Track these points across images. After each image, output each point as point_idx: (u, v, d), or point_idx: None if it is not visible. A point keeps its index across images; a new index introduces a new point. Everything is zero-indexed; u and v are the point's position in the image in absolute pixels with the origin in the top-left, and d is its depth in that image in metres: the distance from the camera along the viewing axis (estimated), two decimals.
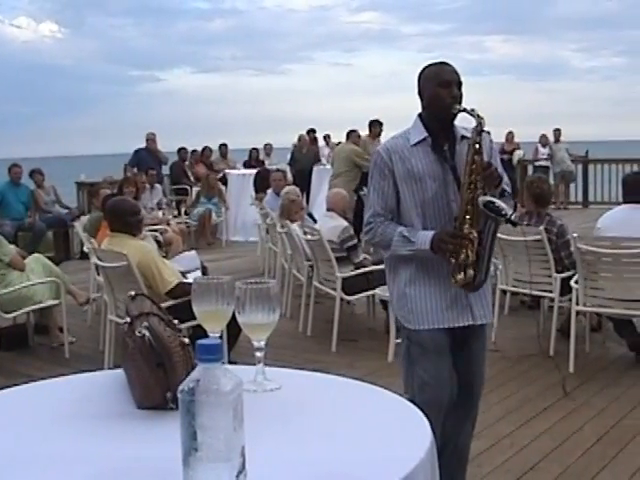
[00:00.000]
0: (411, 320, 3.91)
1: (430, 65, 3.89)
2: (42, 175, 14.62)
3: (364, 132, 14.72)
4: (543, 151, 21.04)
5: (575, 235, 6.68)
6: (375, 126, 14.73)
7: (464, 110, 3.71)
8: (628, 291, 6.62)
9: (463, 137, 3.83)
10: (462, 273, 3.70)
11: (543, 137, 21.23)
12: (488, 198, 3.60)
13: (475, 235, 3.64)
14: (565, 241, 7.18)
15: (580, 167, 21.33)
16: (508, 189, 3.89)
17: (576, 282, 6.81)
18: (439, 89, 3.75)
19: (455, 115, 3.78)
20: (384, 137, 14.92)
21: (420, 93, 3.89)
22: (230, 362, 5.84)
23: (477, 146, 3.66)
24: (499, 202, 3.62)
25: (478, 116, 3.67)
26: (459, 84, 3.79)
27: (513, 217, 3.69)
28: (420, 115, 3.91)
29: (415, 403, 3.69)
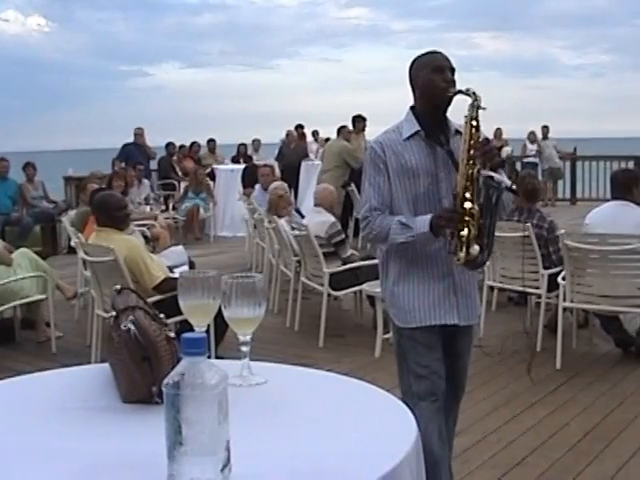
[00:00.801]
0: (400, 317, 3.90)
1: (421, 55, 3.86)
2: (35, 169, 14.58)
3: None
4: (531, 147, 21.06)
5: (562, 231, 6.69)
6: (358, 121, 14.70)
7: (459, 92, 3.67)
8: (615, 287, 6.64)
9: (457, 132, 3.78)
10: (464, 250, 3.58)
11: (531, 134, 21.25)
12: (487, 173, 3.55)
13: (476, 209, 3.54)
14: (555, 236, 7.19)
15: (568, 164, 21.39)
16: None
17: (563, 278, 6.82)
18: (433, 75, 3.71)
19: (450, 100, 3.72)
20: (369, 133, 14.92)
21: (412, 83, 3.85)
22: (217, 357, 5.85)
23: (474, 122, 3.61)
24: (498, 176, 3.56)
25: (474, 93, 3.63)
26: (452, 70, 3.75)
27: (514, 187, 3.64)
28: (412, 108, 3.87)
29: (410, 394, 3.76)
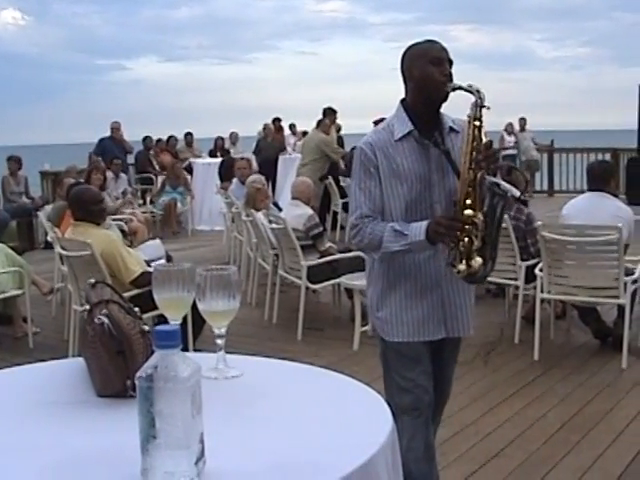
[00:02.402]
0: (386, 330, 3.69)
1: (416, 44, 3.54)
2: (18, 164, 14.48)
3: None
4: (509, 139, 21.10)
5: (540, 223, 6.71)
6: (329, 114, 14.63)
7: (459, 87, 3.39)
8: (592, 279, 6.68)
9: (452, 129, 3.54)
10: (464, 262, 3.35)
11: (509, 125, 21.28)
12: (493, 179, 3.32)
13: (480, 218, 3.29)
14: (533, 228, 7.22)
15: (545, 156, 21.45)
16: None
17: (541, 270, 6.85)
18: (430, 67, 3.40)
19: (447, 95, 3.43)
20: (346, 126, 14.87)
21: (405, 75, 3.55)
22: (195, 350, 5.84)
23: (477, 122, 3.34)
24: (504, 183, 3.35)
25: (477, 91, 3.34)
26: (450, 62, 3.46)
27: (523, 196, 3.38)
28: (403, 101, 3.59)
29: (394, 406, 3.63)
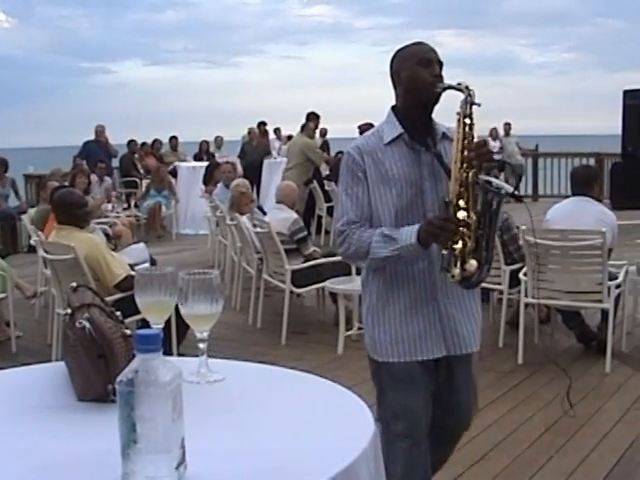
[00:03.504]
0: (378, 350, 3.48)
1: (405, 46, 3.42)
2: (4, 167, 14.39)
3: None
4: (493, 144, 21.14)
5: (523, 227, 6.71)
6: (312, 118, 14.63)
7: (450, 87, 3.25)
8: (576, 283, 6.69)
9: (445, 135, 3.40)
10: (459, 266, 3.15)
11: (494, 130, 21.34)
12: (486, 178, 3.15)
13: (473, 218, 3.13)
14: (512, 235, 7.23)
15: (530, 161, 21.51)
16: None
17: (525, 274, 6.86)
18: (419, 68, 3.29)
19: (438, 97, 3.30)
20: (332, 131, 14.85)
21: (394, 78, 3.42)
22: (179, 354, 5.82)
23: (468, 120, 3.20)
24: (497, 181, 3.18)
25: (467, 88, 3.20)
26: (440, 63, 3.34)
27: (516, 192, 3.23)
28: (394, 108, 3.45)
29: (388, 431, 3.42)
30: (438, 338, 3.41)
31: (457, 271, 3.16)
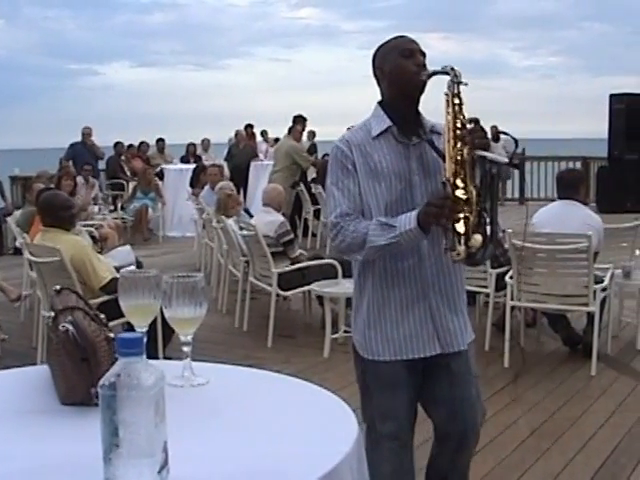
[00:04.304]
0: (369, 349, 3.40)
1: (386, 41, 3.38)
2: None
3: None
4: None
5: (510, 231, 6.72)
6: (299, 121, 14.63)
7: (434, 73, 3.19)
8: (562, 286, 6.71)
9: (432, 131, 3.33)
10: (463, 243, 3.02)
11: None
12: (480, 153, 3.04)
13: (473, 192, 3.02)
14: (498, 239, 7.24)
15: None
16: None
17: (511, 278, 6.87)
18: (402, 59, 3.24)
19: (424, 85, 3.23)
20: (320, 133, 14.85)
21: (377, 73, 3.37)
22: (165, 357, 5.81)
23: (457, 99, 3.13)
24: (492, 155, 3.07)
25: (452, 69, 3.14)
26: (423, 53, 3.28)
27: (514, 161, 3.09)
28: (380, 103, 3.39)
29: (374, 432, 3.42)
30: (432, 336, 3.34)
31: (462, 248, 3.02)
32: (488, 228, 3.06)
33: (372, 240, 3.17)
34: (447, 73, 3.15)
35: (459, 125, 3.10)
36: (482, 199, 3.04)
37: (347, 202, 3.26)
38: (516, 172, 20.94)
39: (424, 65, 3.25)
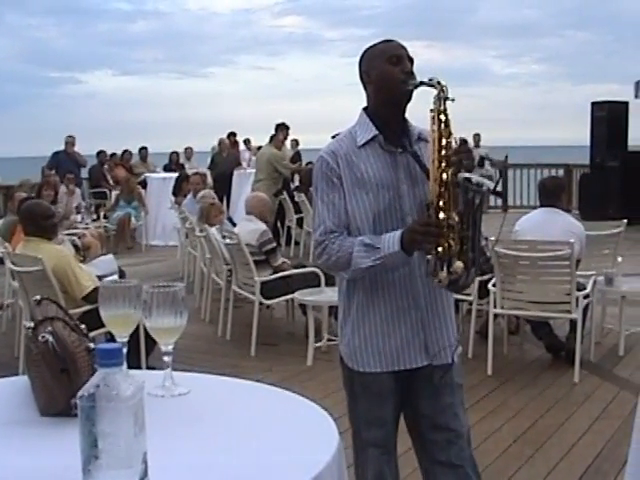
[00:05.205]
0: (356, 360, 3.33)
1: (373, 45, 3.28)
2: None
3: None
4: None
5: (492, 238, 6.73)
6: (281, 129, 14.63)
7: (421, 83, 3.09)
8: (544, 293, 6.72)
9: (420, 138, 3.26)
10: (445, 269, 2.99)
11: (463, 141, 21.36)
12: (465, 175, 2.97)
13: (455, 219, 2.97)
14: (481, 246, 7.24)
15: (499, 172, 21.57)
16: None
17: (494, 285, 6.88)
18: (389, 66, 3.15)
19: (411, 94, 3.15)
20: (304, 141, 14.86)
21: (363, 79, 3.29)
22: (148, 367, 5.79)
23: (443, 117, 3.03)
24: (477, 177, 2.99)
25: (439, 83, 3.04)
26: (411, 60, 3.20)
27: (498, 188, 2.97)
28: (365, 109, 3.31)
29: (359, 439, 3.39)
30: (420, 348, 3.28)
31: (444, 275, 3.00)
32: (470, 254, 3.02)
33: (357, 262, 3.12)
34: (434, 86, 3.06)
35: (444, 143, 3.02)
36: (465, 226, 3.00)
37: (332, 217, 3.21)
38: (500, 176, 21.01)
39: (412, 72, 3.17)
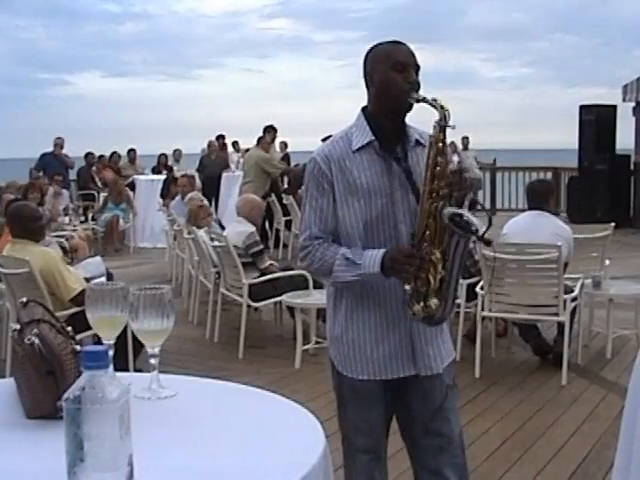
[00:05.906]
0: (345, 367, 3.29)
1: (380, 44, 3.17)
2: None
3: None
4: (455, 159, 21.19)
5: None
6: (269, 131, 14.64)
7: (424, 100, 3.00)
8: (532, 296, 6.73)
9: (418, 142, 3.17)
10: (421, 303, 3.00)
11: (452, 144, 21.38)
12: (455, 210, 2.92)
13: (438, 256, 2.93)
14: (469, 250, 7.24)
15: (488, 175, 21.60)
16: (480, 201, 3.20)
17: (481, 288, 6.89)
18: (393, 73, 3.04)
19: (411, 106, 3.07)
20: (293, 144, 14.85)
21: (367, 78, 3.18)
22: (136, 370, 5.77)
23: (440, 145, 2.96)
24: (469, 215, 2.93)
25: (442, 107, 2.96)
26: (417, 68, 3.10)
27: (486, 235, 3.02)
28: (364, 109, 3.22)
29: (348, 444, 3.37)
30: (408, 358, 3.23)
31: (419, 308, 3.01)
32: (447, 293, 3.00)
33: (337, 275, 3.11)
34: (436, 109, 2.99)
35: (437, 171, 2.96)
36: (447, 268, 2.97)
37: (318, 223, 3.16)
38: (488, 178, 21.05)
39: (417, 82, 3.08)
